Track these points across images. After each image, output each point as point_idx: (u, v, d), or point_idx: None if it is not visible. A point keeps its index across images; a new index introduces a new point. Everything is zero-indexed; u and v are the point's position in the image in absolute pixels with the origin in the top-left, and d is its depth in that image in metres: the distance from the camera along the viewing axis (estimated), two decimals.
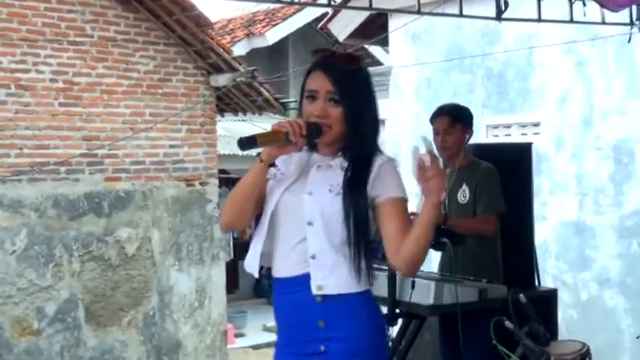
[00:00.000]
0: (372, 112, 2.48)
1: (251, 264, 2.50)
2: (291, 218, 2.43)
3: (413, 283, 3.69)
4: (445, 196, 4.36)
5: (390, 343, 4.00)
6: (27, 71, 6.92)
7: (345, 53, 2.53)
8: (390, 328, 4.06)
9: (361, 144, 2.43)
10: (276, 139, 2.36)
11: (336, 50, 2.55)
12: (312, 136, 2.39)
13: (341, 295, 2.40)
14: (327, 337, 2.41)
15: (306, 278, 2.40)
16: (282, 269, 2.47)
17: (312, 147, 2.49)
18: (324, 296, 2.39)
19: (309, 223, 2.40)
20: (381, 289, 3.64)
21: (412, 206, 2.60)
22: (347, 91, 2.41)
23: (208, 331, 8.01)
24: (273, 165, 2.43)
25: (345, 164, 2.44)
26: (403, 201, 2.45)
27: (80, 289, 7.10)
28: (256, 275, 2.51)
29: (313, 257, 2.40)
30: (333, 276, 2.39)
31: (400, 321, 4.00)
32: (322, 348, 2.41)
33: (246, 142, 2.33)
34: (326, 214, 2.38)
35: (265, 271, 2.52)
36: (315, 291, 2.38)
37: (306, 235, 2.40)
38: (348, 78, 2.43)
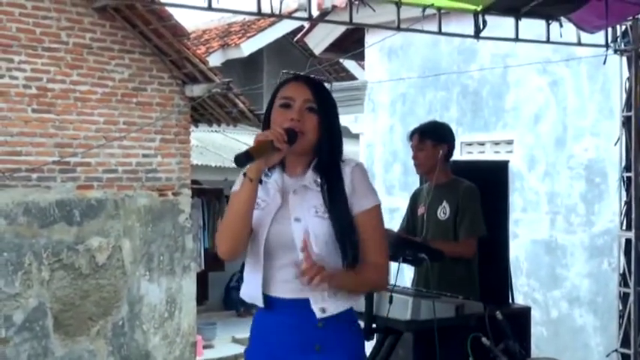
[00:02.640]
0: (339, 125, 2.59)
1: (253, 294, 2.50)
2: (282, 246, 2.45)
3: (390, 298, 3.69)
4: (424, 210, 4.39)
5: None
6: (0, 77, 6.86)
7: (316, 77, 2.62)
8: (366, 343, 4.04)
9: (330, 154, 2.50)
10: (266, 150, 2.39)
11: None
12: (291, 141, 2.42)
13: (340, 313, 2.46)
14: (320, 359, 2.46)
15: (305, 303, 2.43)
16: (279, 291, 2.48)
17: (281, 166, 2.52)
18: (325, 321, 2.44)
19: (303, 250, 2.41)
20: (358, 303, 3.62)
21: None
22: (323, 101, 2.51)
23: (178, 342, 7.95)
24: (260, 181, 2.45)
25: (318, 178, 2.48)
26: (376, 208, 2.53)
27: (49, 297, 7.01)
28: (261, 305, 2.50)
29: None
30: (332, 296, 2.44)
31: (376, 336, 3.99)
32: None
33: (243, 159, 2.36)
34: (319, 238, 2.42)
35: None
36: (319, 314, 2.43)
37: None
38: (324, 90, 2.56)
